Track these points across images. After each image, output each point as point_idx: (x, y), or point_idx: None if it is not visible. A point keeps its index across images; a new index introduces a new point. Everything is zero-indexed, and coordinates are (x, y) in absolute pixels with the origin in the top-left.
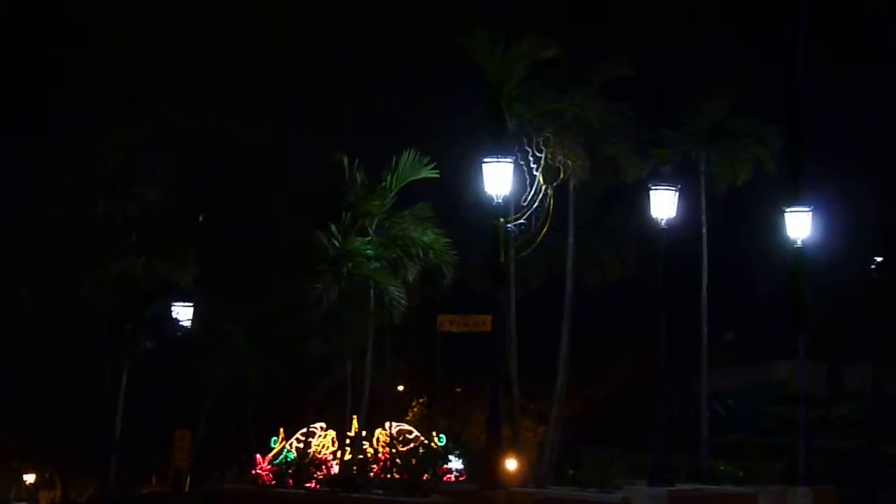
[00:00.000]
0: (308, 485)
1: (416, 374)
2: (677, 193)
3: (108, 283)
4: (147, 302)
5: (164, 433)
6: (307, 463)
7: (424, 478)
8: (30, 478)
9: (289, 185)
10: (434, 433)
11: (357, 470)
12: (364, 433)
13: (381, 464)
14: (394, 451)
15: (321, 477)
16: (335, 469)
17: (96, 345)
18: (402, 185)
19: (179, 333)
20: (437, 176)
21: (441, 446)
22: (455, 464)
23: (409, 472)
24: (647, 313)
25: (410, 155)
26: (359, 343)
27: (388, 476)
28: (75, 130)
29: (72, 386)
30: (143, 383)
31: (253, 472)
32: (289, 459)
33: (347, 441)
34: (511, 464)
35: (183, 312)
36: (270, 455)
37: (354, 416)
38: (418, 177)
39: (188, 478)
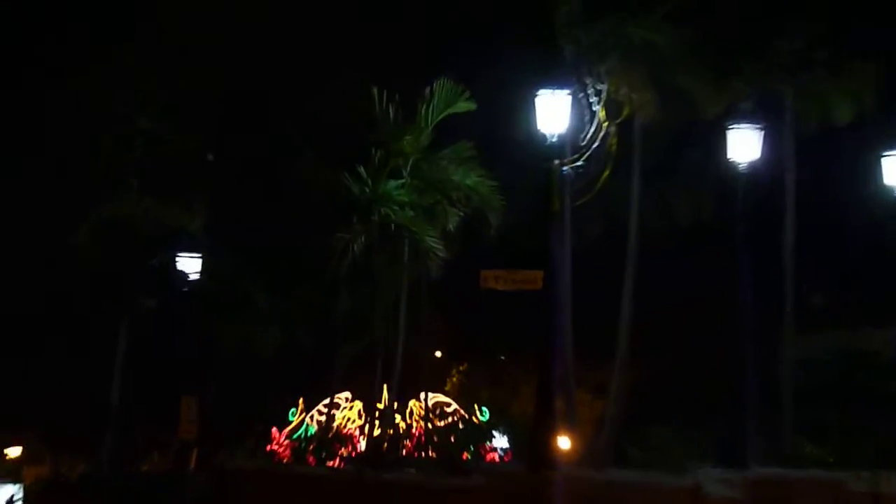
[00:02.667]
0: (331, 463)
1: (455, 338)
2: (761, 133)
3: (104, 230)
4: (149, 253)
5: (168, 402)
6: (330, 438)
7: (464, 456)
8: (14, 451)
9: (312, 122)
10: (476, 406)
11: (387, 446)
12: (395, 405)
13: (415, 440)
14: (429, 425)
15: (346, 454)
16: (362, 445)
17: (90, 301)
18: (439, 118)
19: (185, 289)
20: (475, 107)
21: (484, 421)
22: (500, 441)
23: (446, 449)
24: (722, 270)
25: (447, 84)
26: (390, 302)
27: (423, 454)
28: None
29: (61, 347)
30: (144, 345)
31: (269, 447)
32: (309, 434)
33: (376, 414)
34: (564, 442)
35: (190, 265)
36: (288, 429)
37: (384, 386)
38: (457, 109)
39: (195, 453)
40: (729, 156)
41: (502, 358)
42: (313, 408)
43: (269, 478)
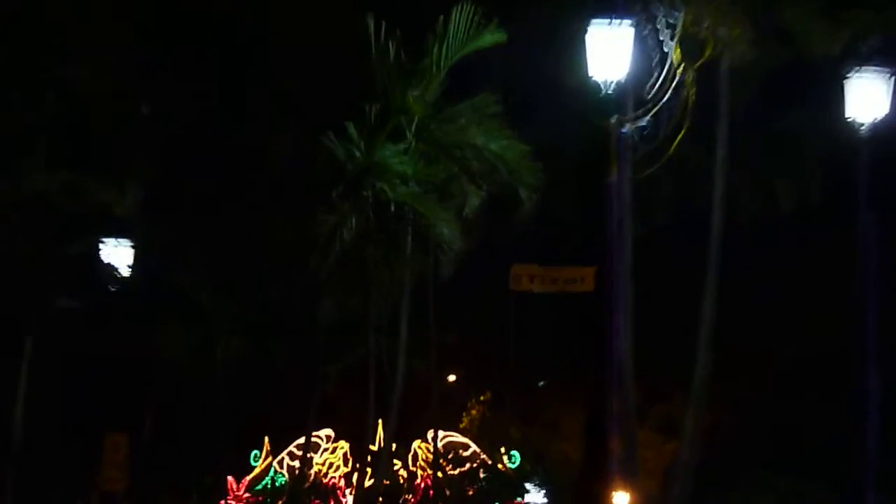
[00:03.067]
0: None
1: (475, 356)
2: (892, 81)
3: (5, 210)
4: (65, 238)
5: (88, 439)
6: (306, 490)
7: None
8: None
9: (285, 63)
10: (502, 449)
11: (384, 503)
12: (394, 447)
13: (421, 494)
14: (440, 474)
15: None
16: (348, 501)
17: None
18: (456, 57)
19: (114, 287)
20: (505, 40)
21: (514, 469)
22: (535, 497)
23: None
24: (837, 266)
25: (466, 12)
26: (388, 308)
27: None
28: None
29: None
30: (55, 362)
31: (222, 502)
32: (277, 484)
33: (368, 458)
34: (622, 499)
35: (118, 254)
36: (249, 478)
37: (379, 421)
38: (481, 44)
39: None
40: (847, 113)
41: (539, 385)
42: (283, 450)
43: None
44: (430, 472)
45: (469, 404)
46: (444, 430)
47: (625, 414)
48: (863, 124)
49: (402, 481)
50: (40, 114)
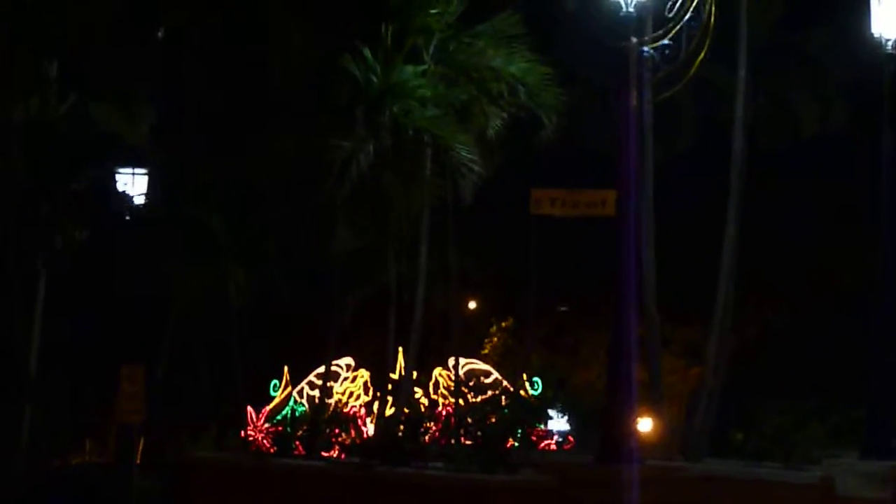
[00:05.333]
0: (328, 453)
1: (496, 283)
2: None
3: (13, 136)
4: (77, 168)
5: (105, 372)
6: (326, 420)
7: (509, 444)
8: None
9: None
10: (525, 376)
11: (405, 431)
12: (415, 375)
13: (442, 422)
14: (461, 402)
15: (348, 442)
16: (370, 430)
17: None
18: None
19: (127, 216)
20: None
21: (536, 396)
22: (558, 423)
23: (485, 435)
24: (861, 193)
25: None
26: (407, 235)
27: (453, 441)
28: None
29: None
30: (71, 293)
31: (242, 433)
32: (297, 414)
33: (389, 387)
34: (646, 424)
35: (132, 183)
36: (269, 408)
37: (400, 349)
38: None
39: (141, 441)
40: (872, 29)
41: (562, 310)
42: (303, 379)
43: (242, 474)
44: (451, 399)
45: (490, 331)
46: (465, 357)
47: (648, 339)
48: (889, 39)
49: (423, 409)
50: (47, 35)
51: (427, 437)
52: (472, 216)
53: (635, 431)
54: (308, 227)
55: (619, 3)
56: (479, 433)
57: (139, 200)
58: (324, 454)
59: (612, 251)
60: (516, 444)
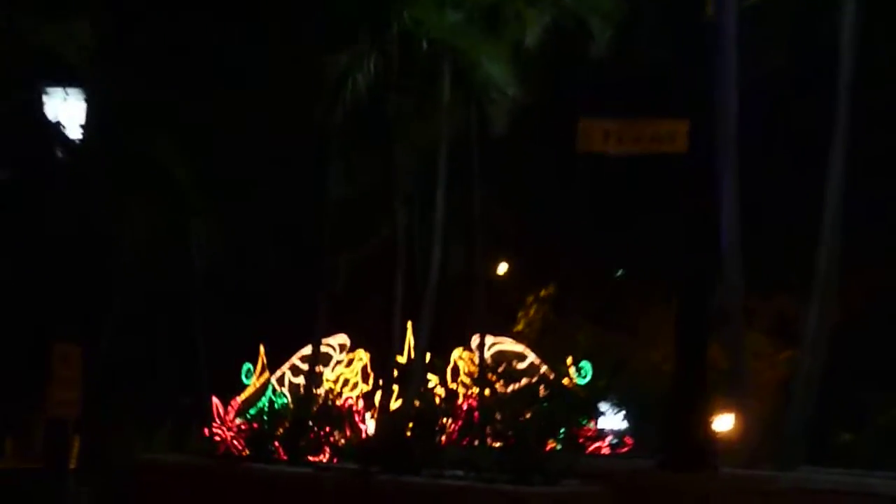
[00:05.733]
0: (316, 458)
1: (533, 240)
2: None
3: None
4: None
5: (29, 353)
6: (314, 415)
7: (549, 446)
8: None
9: None
10: (570, 359)
11: (415, 430)
12: (428, 357)
13: (463, 418)
14: (488, 392)
15: (342, 443)
16: (370, 427)
17: None
18: None
19: (60, 152)
20: None
21: (584, 385)
22: (612, 420)
23: (518, 435)
24: None
25: None
26: (419, 175)
27: (477, 443)
28: None
29: None
30: None
31: (206, 431)
32: (277, 407)
33: (395, 373)
34: (725, 421)
35: (68, 110)
36: (241, 399)
37: (409, 325)
38: None
39: (76, 441)
40: None
41: (617, 276)
42: (284, 363)
43: (206, 483)
44: (474, 390)
45: (526, 302)
46: (494, 335)
47: (729, 312)
48: None
49: (438, 402)
50: None
51: (444, 438)
52: (504, 153)
53: (712, 431)
54: (292, 169)
55: None
56: (510, 433)
57: (76, 132)
58: (311, 459)
59: (683, 199)
60: (558, 446)
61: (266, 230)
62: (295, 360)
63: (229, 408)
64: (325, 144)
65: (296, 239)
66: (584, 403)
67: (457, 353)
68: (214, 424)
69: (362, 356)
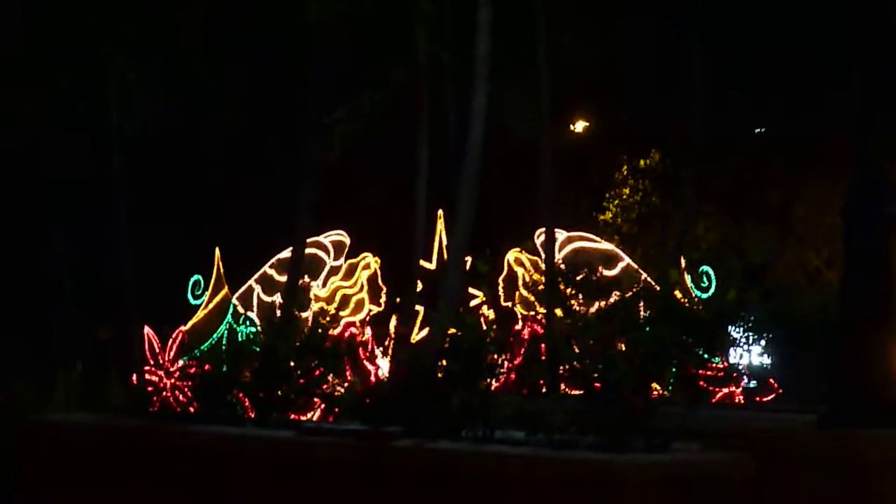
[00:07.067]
0: (301, 415)
1: (625, 86)
2: None
3: None
4: None
5: None
6: (298, 350)
7: (654, 394)
8: None
9: None
10: (683, 262)
11: (450, 372)
12: (469, 261)
13: (524, 353)
14: (561, 313)
15: (340, 393)
16: (382, 369)
17: None
18: None
19: None
20: None
21: (705, 301)
22: (749, 354)
23: (606, 378)
24: None
25: None
26: None
27: (545, 389)
28: None
29: None
30: None
31: (134, 377)
32: (241, 339)
33: (420, 286)
34: None
35: None
36: (186, 328)
37: (440, 213)
38: None
39: None
40: None
41: (757, 132)
42: (253, 273)
43: (133, 451)
44: (541, 310)
45: (617, 178)
46: (569, 228)
47: None
48: None
49: (485, 328)
50: None
51: (495, 383)
52: None
53: (891, 370)
54: None
55: None
56: (594, 374)
57: None
58: (293, 416)
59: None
60: (667, 393)
61: (223, 73)
62: (267, 268)
63: (170, 343)
64: None
65: (266, 82)
66: (707, 328)
67: (513, 255)
68: (146, 368)
69: (369, 262)
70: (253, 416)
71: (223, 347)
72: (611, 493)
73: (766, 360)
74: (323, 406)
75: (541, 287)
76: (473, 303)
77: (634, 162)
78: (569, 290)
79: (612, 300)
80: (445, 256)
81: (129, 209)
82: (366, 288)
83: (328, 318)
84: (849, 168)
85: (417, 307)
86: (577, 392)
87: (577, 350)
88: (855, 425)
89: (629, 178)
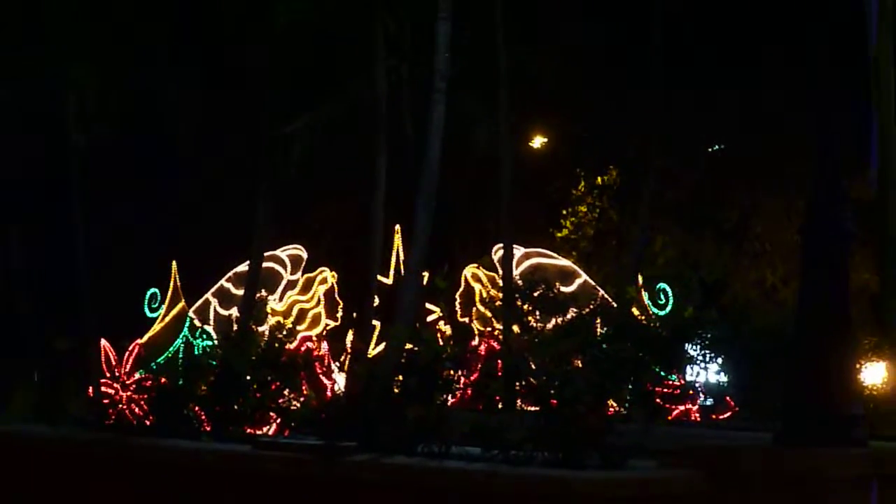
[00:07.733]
0: (256, 430)
1: (585, 99)
2: None
3: None
4: None
5: None
6: (254, 364)
7: (611, 411)
8: None
9: None
10: (640, 279)
11: (406, 386)
12: (426, 276)
13: (481, 368)
14: (518, 329)
15: (296, 407)
16: (338, 383)
17: None
18: None
19: None
20: None
21: (662, 318)
22: (705, 371)
23: (563, 394)
24: None
25: None
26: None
27: (502, 405)
28: None
29: None
30: None
31: (90, 390)
32: (198, 353)
33: (377, 301)
34: (875, 372)
35: None
36: (143, 341)
37: (397, 228)
38: None
39: None
40: None
41: (713, 150)
42: (209, 286)
43: (89, 464)
44: (497, 325)
45: (574, 194)
46: (526, 244)
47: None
48: None
49: (443, 344)
50: None
51: (451, 399)
52: None
53: (856, 385)
54: None
55: None
56: (551, 390)
57: None
58: (249, 430)
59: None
60: (623, 410)
61: (176, 73)
62: (224, 282)
63: (126, 356)
64: None
65: (225, 91)
66: (664, 345)
67: (470, 271)
68: (102, 381)
69: (326, 276)
70: (209, 429)
71: (180, 361)
72: None
73: (723, 378)
74: (279, 420)
75: (498, 303)
76: (430, 318)
77: (591, 179)
78: (526, 306)
79: (569, 316)
80: (402, 271)
81: (86, 219)
82: (322, 302)
83: (284, 333)
84: (806, 185)
85: (374, 322)
86: (533, 408)
87: (533, 366)
88: (812, 442)
89: (587, 197)
